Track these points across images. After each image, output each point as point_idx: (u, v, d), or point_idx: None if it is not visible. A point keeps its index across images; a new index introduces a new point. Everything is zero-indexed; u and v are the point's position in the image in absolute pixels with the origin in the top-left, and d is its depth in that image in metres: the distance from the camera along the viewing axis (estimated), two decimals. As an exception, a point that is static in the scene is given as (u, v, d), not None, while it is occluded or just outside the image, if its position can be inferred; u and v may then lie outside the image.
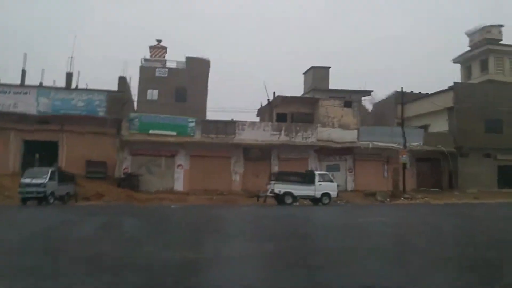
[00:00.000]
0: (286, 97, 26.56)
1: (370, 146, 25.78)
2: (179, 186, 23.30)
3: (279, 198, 18.01)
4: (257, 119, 30.03)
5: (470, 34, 35.94)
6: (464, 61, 36.68)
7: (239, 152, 24.55)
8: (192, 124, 22.80)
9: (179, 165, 23.49)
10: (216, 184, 23.15)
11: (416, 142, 27.08)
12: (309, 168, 24.56)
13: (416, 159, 27.97)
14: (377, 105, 38.26)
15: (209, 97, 36.24)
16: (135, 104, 32.28)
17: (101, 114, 21.12)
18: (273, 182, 18.16)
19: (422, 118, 32.55)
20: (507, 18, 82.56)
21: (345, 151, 26.38)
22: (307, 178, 17.91)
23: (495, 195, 24.54)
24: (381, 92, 39.82)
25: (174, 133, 22.07)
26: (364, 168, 26.72)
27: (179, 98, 34.04)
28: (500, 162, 29.04)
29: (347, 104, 27.60)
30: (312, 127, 25.36)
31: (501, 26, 34.95)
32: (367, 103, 39.54)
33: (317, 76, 35.60)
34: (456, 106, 28.68)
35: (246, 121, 24.41)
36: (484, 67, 34.78)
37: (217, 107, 62.62)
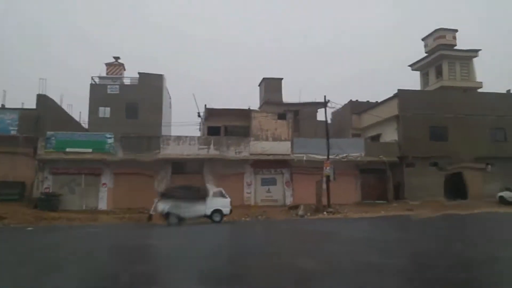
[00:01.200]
0: (215, 109, 26.06)
1: (305, 158, 25.06)
2: (103, 205, 22.83)
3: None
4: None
5: (425, 39, 35.22)
6: (421, 67, 35.92)
7: (166, 168, 24.05)
8: (111, 140, 22.42)
9: (103, 184, 23.06)
10: (141, 202, 22.56)
11: (356, 152, 26.27)
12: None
13: (360, 170, 27.13)
14: (336, 116, 37.54)
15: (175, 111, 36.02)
16: (86, 122, 32.22)
17: (13, 132, 20.90)
18: (156, 199, 17.39)
19: (375, 127, 31.79)
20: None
21: (281, 164, 25.70)
22: (198, 194, 17.12)
23: (433, 206, 23.42)
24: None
25: (90, 150, 21.69)
26: (302, 181, 25.87)
27: (130, 115, 33.82)
28: (447, 171, 28.00)
29: (281, 116, 26.95)
30: (245, 141, 24.77)
31: (455, 31, 34.19)
32: (329, 113, 38.94)
33: (269, 87, 35.14)
34: (400, 114, 27.87)
35: (170, 136, 23.94)
36: (439, 73, 33.97)
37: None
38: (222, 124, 26.43)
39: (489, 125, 28.46)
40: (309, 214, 20.41)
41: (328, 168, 21.93)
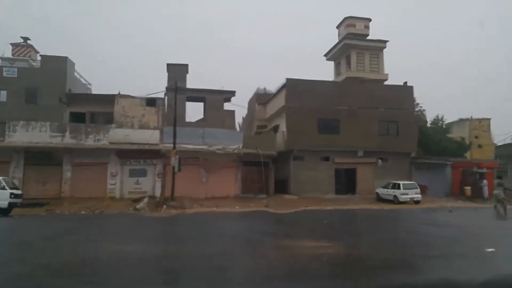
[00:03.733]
0: (78, 94, 24.13)
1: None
2: None
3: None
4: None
5: (339, 27, 33.71)
6: (333, 57, 34.48)
7: (19, 156, 22.14)
8: None
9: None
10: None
11: (234, 144, 24.78)
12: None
13: (243, 163, 25.70)
14: (250, 106, 36.01)
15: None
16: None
17: None
18: None
19: (274, 118, 30.39)
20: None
21: (153, 154, 23.99)
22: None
23: (309, 201, 22.18)
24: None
25: None
26: (179, 173, 24.38)
27: (29, 100, 31.47)
28: (338, 165, 26.84)
29: (151, 103, 25.17)
30: (105, 128, 22.96)
31: (368, 20, 32.78)
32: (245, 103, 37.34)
33: (173, 74, 33.24)
34: (287, 105, 26.43)
35: (19, 122, 21.94)
36: (348, 63, 32.62)
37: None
38: (87, 110, 24.50)
39: (381, 119, 27.35)
40: (147, 208, 18.80)
41: (174, 158, 20.36)
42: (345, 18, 32.50)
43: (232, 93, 32.96)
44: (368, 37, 32.51)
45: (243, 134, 25.01)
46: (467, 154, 38.28)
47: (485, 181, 27.19)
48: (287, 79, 26.47)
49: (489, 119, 50.07)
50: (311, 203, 21.97)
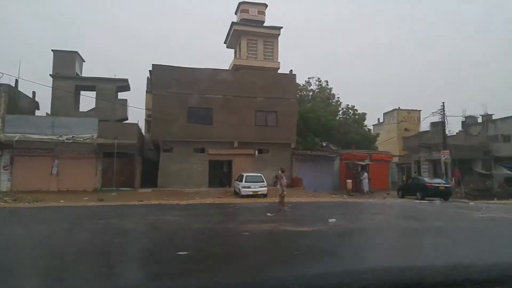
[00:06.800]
0: None
1: (17, 138, 21.75)
2: None
3: None
4: None
5: (236, 13, 32.24)
6: (231, 44, 33.01)
7: None
8: None
9: None
10: None
11: (87, 133, 23.19)
12: None
13: (104, 154, 24.13)
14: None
15: None
16: None
17: None
18: None
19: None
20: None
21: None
22: None
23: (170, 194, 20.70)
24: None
25: None
26: (28, 165, 22.74)
27: None
28: (212, 157, 25.51)
29: None
30: None
31: (263, 5, 31.39)
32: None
33: (60, 61, 31.37)
34: (154, 92, 24.94)
35: None
36: (243, 50, 31.21)
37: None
38: None
39: (259, 108, 26.11)
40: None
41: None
42: (240, 3, 31.05)
43: (125, 81, 31.30)
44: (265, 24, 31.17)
45: (97, 122, 23.31)
46: (378, 147, 37.60)
47: (365, 174, 26.28)
48: (153, 65, 24.92)
49: (419, 110, 49.81)
50: (170, 197, 20.56)
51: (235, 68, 29.25)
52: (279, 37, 30.72)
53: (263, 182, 20.63)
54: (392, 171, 33.76)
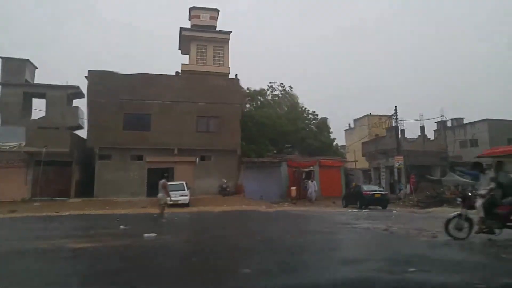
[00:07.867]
0: None
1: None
2: None
3: None
4: None
5: (190, 19, 31.69)
6: (184, 50, 32.38)
7: None
8: None
9: None
10: None
11: (14, 141, 22.50)
12: None
13: (36, 162, 23.38)
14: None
15: None
16: None
17: None
18: None
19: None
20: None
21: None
22: None
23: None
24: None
25: None
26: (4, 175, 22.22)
27: None
28: (151, 164, 24.73)
29: None
30: None
31: (215, 10, 30.87)
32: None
33: (9, 68, 30.84)
34: (89, 99, 24.28)
35: None
36: (192, 56, 30.60)
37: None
38: None
39: (201, 114, 25.44)
40: None
41: None
42: (190, 9, 30.56)
43: (77, 88, 30.71)
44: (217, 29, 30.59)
45: (24, 130, 22.64)
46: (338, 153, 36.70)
47: (310, 182, 25.35)
48: (89, 71, 24.30)
49: (390, 116, 48.92)
50: (97, 207, 19.70)
51: (184, 73, 28.61)
52: (230, 42, 30.14)
53: (184, 190, 19.82)
54: (350, 178, 32.83)
